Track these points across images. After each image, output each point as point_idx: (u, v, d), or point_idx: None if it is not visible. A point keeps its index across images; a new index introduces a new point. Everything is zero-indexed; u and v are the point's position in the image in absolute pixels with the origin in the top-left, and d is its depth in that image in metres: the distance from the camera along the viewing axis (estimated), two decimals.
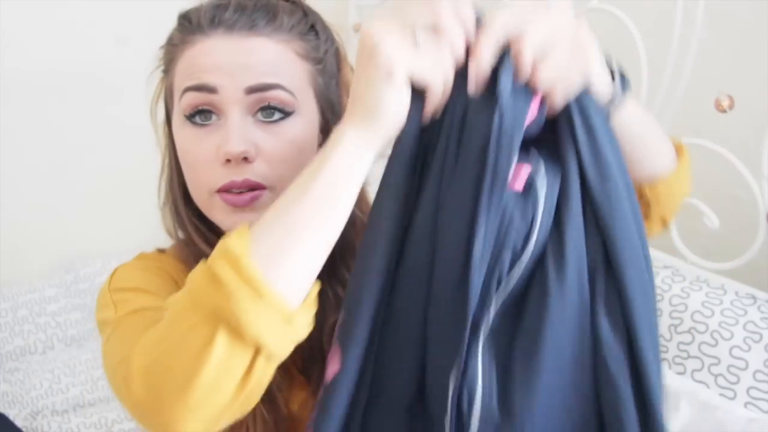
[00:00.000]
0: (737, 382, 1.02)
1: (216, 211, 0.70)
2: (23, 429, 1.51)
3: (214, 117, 0.69)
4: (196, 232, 0.75)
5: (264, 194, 0.69)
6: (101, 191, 1.79)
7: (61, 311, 1.79)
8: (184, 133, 0.70)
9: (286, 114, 0.70)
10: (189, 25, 0.70)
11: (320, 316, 0.74)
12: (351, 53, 2.04)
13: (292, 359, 0.76)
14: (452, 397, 0.57)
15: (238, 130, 0.67)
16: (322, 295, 0.75)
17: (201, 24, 0.69)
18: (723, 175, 1.13)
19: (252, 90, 0.68)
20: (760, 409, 0.99)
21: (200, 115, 0.69)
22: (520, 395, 0.57)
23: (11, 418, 1.51)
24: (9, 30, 1.67)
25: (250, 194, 0.69)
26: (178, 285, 0.76)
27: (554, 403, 0.57)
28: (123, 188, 1.60)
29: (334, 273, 0.76)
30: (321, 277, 0.76)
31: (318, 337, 0.74)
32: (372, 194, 0.72)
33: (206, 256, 0.74)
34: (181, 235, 0.78)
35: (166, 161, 0.78)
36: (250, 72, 0.68)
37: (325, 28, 0.77)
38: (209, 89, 0.68)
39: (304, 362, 0.76)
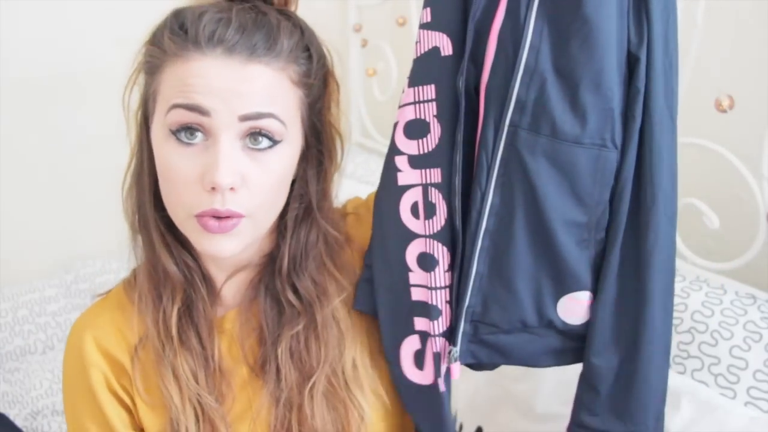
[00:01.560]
0: (737, 382, 1.02)
1: (192, 233, 0.70)
2: (23, 429, 1.51)
3: (200, 136, 0.67)
4: (162, 242, 0.75)
5: (242, 222, 0.69)
6: (101, 191, 1.78)
7: (61, 311, 1.79)
8: (167, 147, 0.68)
9: (274, 143, 0.69)
10: (184, 36, 0.68)
11: (274, 329, 0.76)
12: (351, 53, 2.05)
13: (248, 361, 0.78)
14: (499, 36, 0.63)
15: (227, 159, 0.66)
16: (278, 308, 0.77)
17: (198, 39, 0.67)
18: (723, 175, 1.13)
19: (246, 118, 0.67)
20: (761, 409, 0.99)
21: (186, 131, 0.67)
22: (574, 57, 0.60)
23: (11, 418, 1.51)
24: (9, 30, 1.67)
25: (230, 222, 0.68)
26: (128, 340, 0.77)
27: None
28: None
29: (292, 286, 0.77)
30: (276, 289, 0.78)
31: (271, 351, 0.75)
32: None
33: (170, 273, 0.75)
34: (142, 238, 0.77)
35: (136, 157, 0.76)
36: (246, 99, 0.67)
37: (318, 47, 0.76)
38: (201, 111, 0.66)
39: (261, 365, 0.77)
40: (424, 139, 0.70)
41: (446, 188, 0.68)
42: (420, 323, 0.73)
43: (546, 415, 1.19)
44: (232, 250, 0.70)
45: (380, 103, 1.98)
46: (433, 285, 0.70)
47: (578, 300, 0.67)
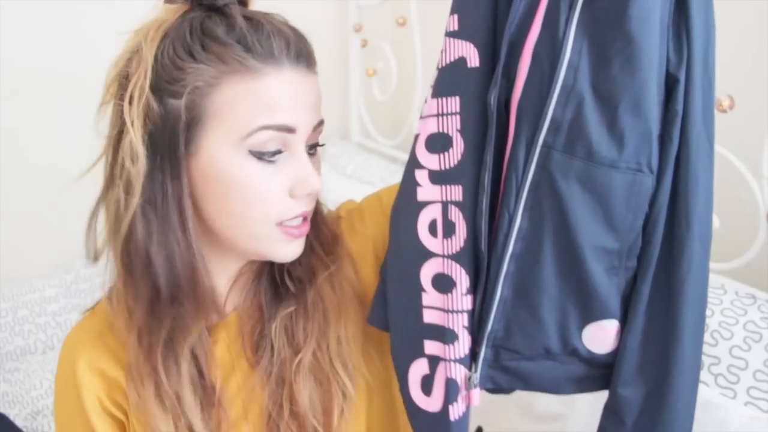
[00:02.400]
0: (737, 382, 1.02)
1: (273, 242, 0.72)
2: (23, 429, 1.51)
3: (283, 152, 0.69)
4: (203, 263, 0.72)
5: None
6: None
7: (61, 311, 1.79)
8: (248, 168, 0.67)
9: (319, 145, 0.75)
10: (244, 49, 0.66)
11: (272, 309, 0.77)
12: (351, 53, 2.05)
13: (244, 346, 0.78)
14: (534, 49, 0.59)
15: (312, 166, 0.71)
16: (277, 288, 0.78)
17: (273, 52, 0.67)
18: (723, 175, 1.13)
19: (316, 127, 0.71)
20: (761, 409, 0.99)
21: (272, 152, 0.68)
22: (615, 77, 0.57)
23: (11, 418, 1.51)
24: (9, 30, 1.67)
25: (306, 225, 0.73)
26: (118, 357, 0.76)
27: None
28: None
29: (286, 269, 0.79)
30: (274, 276, 0.79)
31: (269, 326, 0.76)
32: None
33: (162, 296, 0.73)
34: (137, 261, 0.70)
35: (150, 194, 0.69)
36: (316, 109, 0.71)
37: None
38: (289, 130, 0.68)
39: (255, 350, 0.77)
40: (446, 154, 0.67)
41: (468, 207, 0.65)
42: (431, 347, 0.70)
43: (546, 415, 1.19)
44: (302, 249, 0.75)
45: (380, 103, 1.98)
46: (450, 308, 0.67)
47: (605, 329, 0.64)
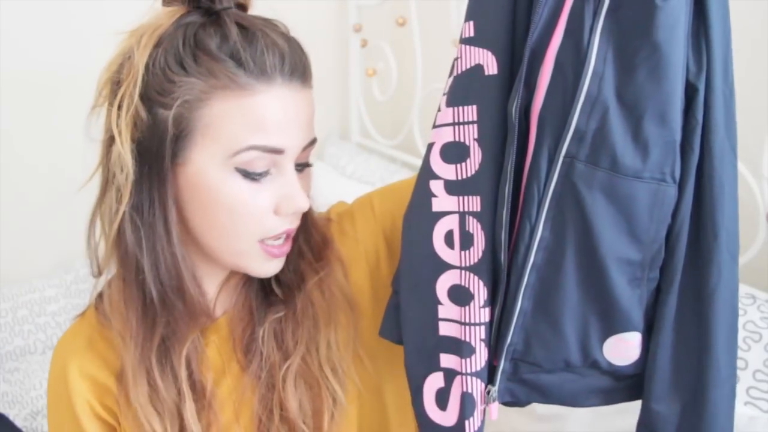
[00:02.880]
0: (737, 382, 1.02)
1: (252, 259, 0.71)
2: (23, 429, 1.51)
3: (271, 172, 0.69)
4: (191, 276, 0.72)
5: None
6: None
7: (61, 311, 1.79)
8: (232, 183, 0.67)
9: (309, 164, 0.73)
10: (236, 64, 0.65)
11: (262, 314, 0.77)
12: (351, 53, 2.05)
13: (235, 349, 0.78)
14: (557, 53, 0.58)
15: (299, 185, 0.69)
16: (267, 292, 0.78)
17: (264, 68, 0.65)
18: None
19: (306, 147, 0.70)
20: (760, 409, 0.99)
21: (258, 172, 0.68)
22: (640, 86, 0.56)
23: (11, 418, 1.51)
24: (8, 30, 1.67)
25: (287, 245, 0.72)
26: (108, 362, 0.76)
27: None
28: None
29: (277, 279, 0.78)
30: (263, 281, 0.79)
31: (258, 331, 0.76)
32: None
33: (154, 300, 0.73)
34: (127, 267, 0.71)
35: (137, 198, 0.69)
36: (306, 129, 0.69)
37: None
38: (278, 152, 0.67)
39: (245, 353, 0.78)
40: (463, 164, 0.65)
41: (487, 218, 0.64)
42: (447, 360, 0.68)
43: (546, 415, 1.19)
44: (280, 268, 0.74)
45: (380, 103, 1.98)
46: (468, 321, 0.66)
47: (627, 341, 0.64)
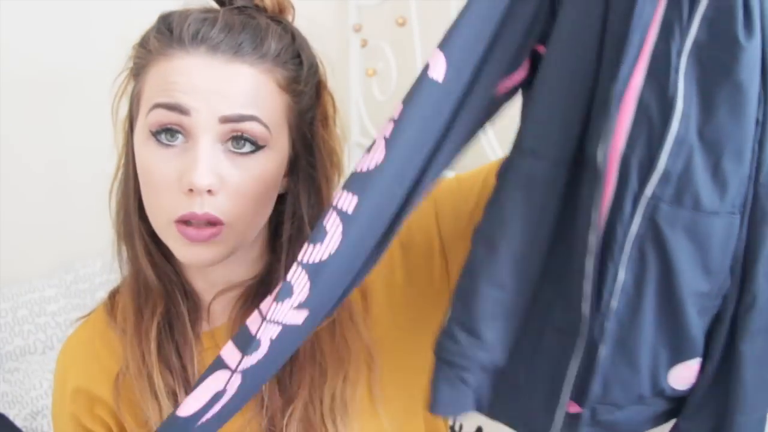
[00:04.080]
0: None
1: (171, 241, 0.69)
2: (23, 429, 1.51)
3: (180, 138, 0.66)
4: (145, 252, 0.73)
5: (222, 230, 0.67)
6: (101, 191, 1.79)
7: (61, 311, 1.79)
8: (147, 149, 0.67)
9: (257, 147, 0.67)
10: (169, 35, 0.66)
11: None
12: (351, 53, 2.04)
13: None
14: (613, 101, 0.56)
15: (206, 160, 0.65)
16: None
17: (182, 37, 0.66)
18: None
19: (227, 120, 0.65)
20: None
21: (167, 133, 0.65)
22: (721, 125, 0.55)
23: (11, 418, 1.51)
24: (8, 30, 1.67)
25: (209, 231, 0.67)
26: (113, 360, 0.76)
27: None
28: None
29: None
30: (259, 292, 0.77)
31: None
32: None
33: (151, 287, 0.74)
34: (126, 250, 0.75)
35: (123, 165, 0.74)
36: (228, 100, 0.65)
37: (310, 56, 0.73)
38: (182, 110, 0.65)
39: None
40: (366, 156, 0.62)
41: (353, 225, 0.60)
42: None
43: None
44: (211, 259, 0.69)
45: (380, 103, 1.98)
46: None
47: (690, 366, 0.64)
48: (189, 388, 0.74)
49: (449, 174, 1.01)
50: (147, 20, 0.72)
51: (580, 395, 0.65)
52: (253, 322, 0.60)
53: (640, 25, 0.56)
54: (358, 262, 0.61)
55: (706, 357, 0.64)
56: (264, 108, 0.67)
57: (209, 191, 0.65)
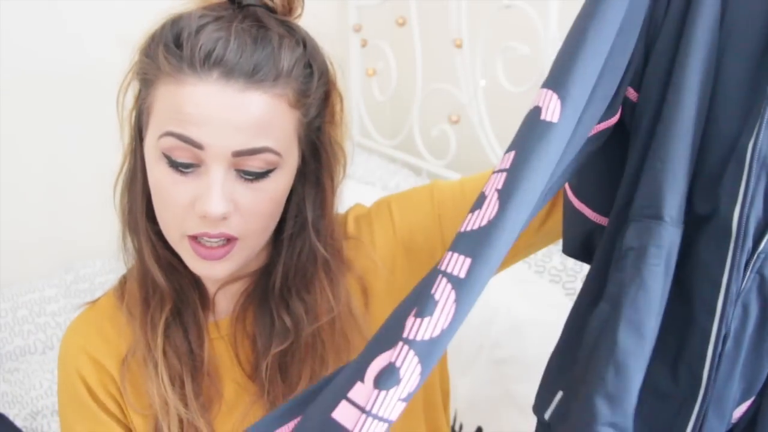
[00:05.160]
0: None
1: (185, 254, 0.70)
2: (23, 429, 1.50)
3: (193, 166, 0.66)
4: (151, 251, 0.74)
5: (235, 246, 0.68)
6: (101, 191, 1.79)
7: (61, 311, 1.79)
8: (159, 168, 0.67)
9: (268, 171, 0.68)
10: (179, 55, 0.65)
11: (266, 341, 0.76)
12: (351, 53, 2.05)
13: (243, 366, 0.77)
14: (749, 161, 0.55)
15: (219, 189, 0.65)
16: (270, 321, 0.76)
17: (194, 61, 0.64)
18: None
19: (239, 154, 0.65)
20: None
21: (181, 165, 0.66)
22: None
23: (11, 418, 1.51)
24: (8, 29, 1.66)
25: (222, 250, 0.68)
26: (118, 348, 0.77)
27: None
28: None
29: (285, 303, 0.76)
30: (270, 304, 0.78)
31: (261, 361, 0.75)
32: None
33: (158, 281, 0.75)
34: (132, 243, 0.76)
35: (129, 162, 0.74)
36: (241, 133, 0.64)
37: (321, 62, 0.72)
38: (195, 144, 0.64)
39: (254, 372, 0.77)
40: (476, 213, 0.56)
41: (465, 291, 0.53)
42: None
43: None
44: (224, 273, 0.70)
45: (380, 103, 1.98)
46: None
47: (747, 403, 0.65)
48: (196, 374, 0.75)
49: (455, 176, 1.00)
50: (146, 19, 0.71)
51: None
52: (347, 417, 0.48)
53: None
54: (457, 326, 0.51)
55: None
56: (275, 134, 0.67)
57: (223, 218, 0.66)
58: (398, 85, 1.89)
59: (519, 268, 0.84)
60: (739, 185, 0.56)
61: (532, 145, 0.52)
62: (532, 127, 0.53)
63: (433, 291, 0.49)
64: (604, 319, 0.59)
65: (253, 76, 0.64)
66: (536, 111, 0.53)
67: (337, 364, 0.75)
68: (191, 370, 0.75)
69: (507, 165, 0.52)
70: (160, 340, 0.74)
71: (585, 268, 0.69)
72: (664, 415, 0.62)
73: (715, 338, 0.59)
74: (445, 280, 0.50)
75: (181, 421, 0.74)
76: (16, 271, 1.81)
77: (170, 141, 0.65)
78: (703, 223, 0.59)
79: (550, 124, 0.52)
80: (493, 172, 0.54)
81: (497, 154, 1.53)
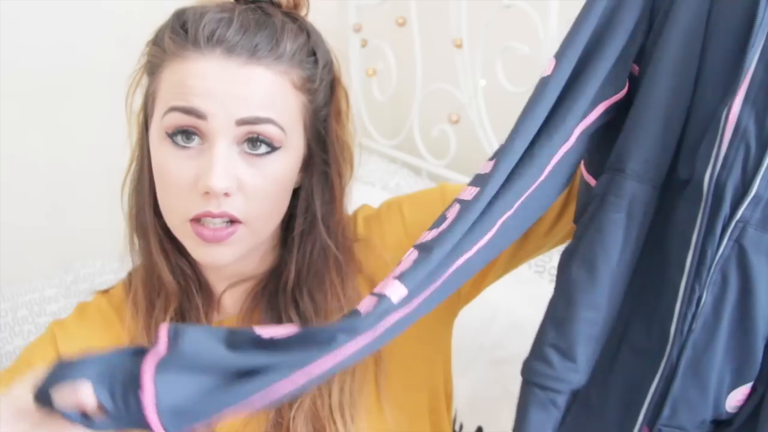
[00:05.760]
0: None
1: (188, 240, 0.69)
2: None
3: (196, 139, 0.66)
4: (159, 249, 0.74)
5: (239, 229, 0.68)
6: (101, 191, 1.79)
7: (61, 311, 1.79)
8: (163, 150, 0.67)
9: (273, 148, 0.67)
10: (184, 35, 0.66)
11: None
12: (351, 53, 2.05)
13: None
14: (722, 127, 0.57)
15: (222, 163, 0.65)
16: (278, 322, 0.76)
17: (198, 39, 0.65)
18: None
19: (243, 122, 0.65)
20: None
21: (183, 135, 0.66)
22: None
23: None
24: (8, 29, 1.66)
25: (225, 231, 0.67)
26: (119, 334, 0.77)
27: None
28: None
29: (295, 303, 0.76)
30: (278, 304, 0.77)
31: None
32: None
33: (165, 281, 0.75)
34: (139, 243, 0.77)
35: (136, 160, 0.75)
36: (244, 103, 0.65)
37: (325, 51, 0.74)
38: (198, 114, 0.65)
39: None
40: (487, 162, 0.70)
41: (469, 210, 0.65)
42: None
43: None
44: (227, 258, 0.69)
45: (380, 103, 1.98)
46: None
47: (744, 391, 0.65)
48: None
49: (455, 176, 1.00)
50: (147, 19, 0.72)
51: (650, 417, 0.65)
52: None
53: (751, 52, 0.56)
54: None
55: (757, 380, 0.64)
56: (280, 110, 0.67)
57: (226, 194, 0.65)
58: (398, 85, 1.89)
59: (519, 268, 0.84)
60: (712, 150, 0.59)
61: (530, 98, 0.61)
62: (535, 88, 0.62)
63: (445, 212, 0.61)
64: (568, 253, 0.66)
65: (254, 53, 0.66)
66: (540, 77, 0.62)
67: (347, 372, 0.75)
68: None
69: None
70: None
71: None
72: (637, 371, 0.65)
73: (682, 294, 0.61)
74: (456, 203, 0.62)
75: None
76: (16, 271, 1.81)
77: (174, 116, 0.65)
78: (682, 187, 0.61)
79: (542, 78, 0.61)
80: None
81: (494, 149, 1.53)
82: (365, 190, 1.74)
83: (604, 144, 0.66)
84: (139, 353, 0.53)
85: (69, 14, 1.71)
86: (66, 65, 1.72)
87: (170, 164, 0.66)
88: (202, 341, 0.53)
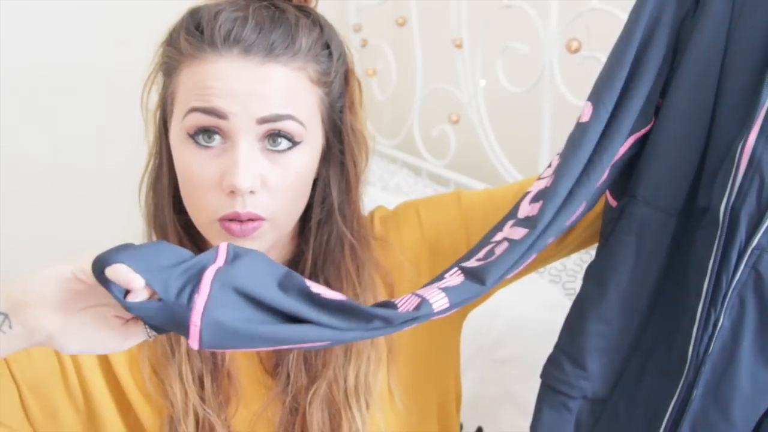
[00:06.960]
0: None
1: (215, 237, 0.70)
2: None
3: (218, 138, 0.67)
4: (179, 244, 0.75)
5: (263, 225, 0.69)
6: (101, 191, 1.79)
7: None
8: (185, 151, 0.68)
9: (293, 144, 0.68)
10: (200, 36, 0.66)
11: None
12: (351, 53, 2.00)
13: (263, 360, 0.78)
14: (737, 159, 0.60)
15: (245, 162, 0.66)
16: None
17: (214, 39, 0.66)
18: None
19: (264, 120, 0.66)
20: None
21: (204, 134, 0.66)
22: None
23: None
24: (8, 29, 1.66)
25: (251, 225, 0.68)
26: None
27: None
28: (123, 188, 1.59)
29: None
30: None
31: (285, 354, 0.75)
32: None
33: None
34: (157, 239, 0.77)
35: (154, 159, 0.75)
36: (264, 101, 0.66)
37: (339, 44, 0.74)
38: (219, 114, 0.65)
39: (275, 365, 0.77)
40: (537, 204, 0.70)
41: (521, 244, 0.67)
42: None
43: None
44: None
45: (380, 103, 1.98)
46: None
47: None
48: (216, 373, 0.75)
49: (455, 176, 1.00)
50: (147, 19, 0.72)
51: None
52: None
53: (766, 89, 0.59)
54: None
55: None
56: (298, 105, 0.68)
57: (251, 192, 0.67)
58: (398, 85, 1.89)
59: None
60: (728, 180, 0.61)
61: (570, 143, 0.64)
62: (572, 132, 0.64)
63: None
64: (589, 267, 0.70)
65: (271, 51, 0.66)
66: (578, 121, 0.64)
67: (361, 352, 0.76)
68: (211, 370, 0.75)
69: (554, 165, 0.65)
70: (183, 340, 0.74)
71: (585, 269, 0.72)
72: (659, 389, 0.67)
73: (699, 318, 0.63)
74: (505, 242, 0.64)
75: (197, 422, 0.74)
76: (16, 271, 1.81)
77: (195, 117, 0.66)
78: (702, 215, 0.64)
79: (581, 123, 0.64)
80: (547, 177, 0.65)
81: (497, 153, 1.53)
82: (365, 189, 1.74)
83: (627, 168, 0.68)
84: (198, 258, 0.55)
85: (69, 14, 1.71)
86: (65, 67, 1.72)
87: (194, 164, 0.67)
88: (258, 271, 0.55)
